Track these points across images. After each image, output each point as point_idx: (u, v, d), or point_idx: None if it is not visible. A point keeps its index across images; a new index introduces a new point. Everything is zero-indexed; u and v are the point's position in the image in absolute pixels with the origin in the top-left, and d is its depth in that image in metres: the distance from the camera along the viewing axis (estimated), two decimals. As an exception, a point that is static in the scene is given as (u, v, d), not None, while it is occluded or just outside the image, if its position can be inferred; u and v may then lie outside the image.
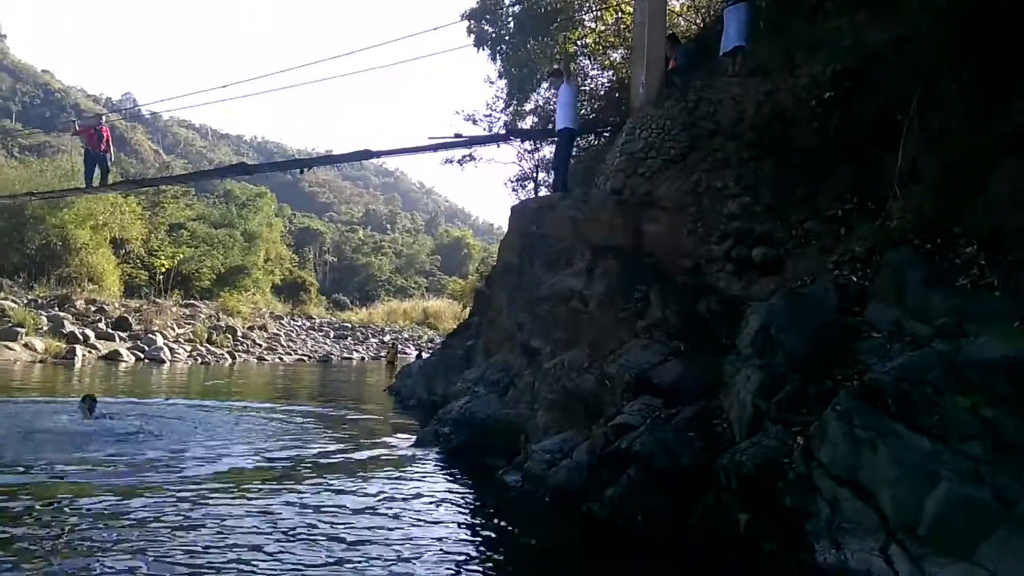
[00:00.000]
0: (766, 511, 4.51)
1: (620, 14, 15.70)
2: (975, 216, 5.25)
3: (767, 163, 7.43)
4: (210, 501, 5.45)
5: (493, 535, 5.24)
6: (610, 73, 16.77)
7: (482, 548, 4.88)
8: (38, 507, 5.14)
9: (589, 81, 17.53)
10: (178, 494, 5.57)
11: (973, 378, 4.15)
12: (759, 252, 7.06)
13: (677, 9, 14.48)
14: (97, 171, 14.13)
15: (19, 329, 19.38)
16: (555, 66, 13.30)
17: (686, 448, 5.26)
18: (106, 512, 5.02)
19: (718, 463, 4.90)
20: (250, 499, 5.63)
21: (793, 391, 4.94)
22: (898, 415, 4.21)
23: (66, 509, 5.14)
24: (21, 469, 6.16)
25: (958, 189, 5.48)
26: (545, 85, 17.12)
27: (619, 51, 16.12)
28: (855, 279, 5.78)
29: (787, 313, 5.56)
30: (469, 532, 5.25)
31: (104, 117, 15.30)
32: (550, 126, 13.05)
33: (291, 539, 4.61)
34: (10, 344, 18.61)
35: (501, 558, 4.76)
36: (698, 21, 14.55)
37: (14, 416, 8.88)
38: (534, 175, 19.56)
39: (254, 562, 4.17)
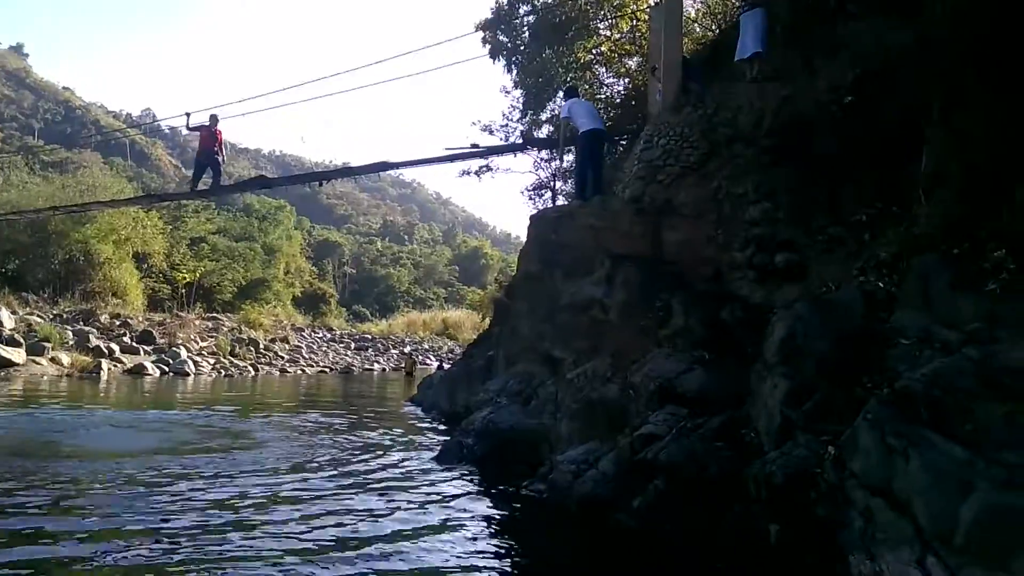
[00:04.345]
0: (798, 522, 4.45)
1: (635, 21, 15.72)
2: (1003, 219, 5.16)
3: (788, 168, 7.36)
4: (235, 510, 5.50)
5: (520, 546, 5.21)
6: (626, 81, 16.78)
7: (509, 560, 4.86)
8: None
9: (604, 89, 17.55)
10: (200, 502, 5.63)
11: (1009, 385, 4.06)
12: (782, 258, 6.99)
13: (693, 16, 14.46)
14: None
15: (46, 344, 19.64)
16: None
17: (713, 458, 5.22)
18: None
19: (747, 473, 4.85)
20: (265, 510, 5.65)
21: (822, 400, 4.87)
22: (931, 423, 4.12)
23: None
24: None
25: (984, 192, 5.38)
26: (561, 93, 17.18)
27: (634, 59, 16.14)
28: (881, 285, 5.69)
29: (813, 320, 5.48)
30: (495, 544, 5.23)
31: (218, 119, 15.18)
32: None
33: (312, 552, 4.62)
34: (37, 359, 18.89)
35: (529, 569, 4.74)
36: (714, 27, 14.52)
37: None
38: (551, 184, 19.57)
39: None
